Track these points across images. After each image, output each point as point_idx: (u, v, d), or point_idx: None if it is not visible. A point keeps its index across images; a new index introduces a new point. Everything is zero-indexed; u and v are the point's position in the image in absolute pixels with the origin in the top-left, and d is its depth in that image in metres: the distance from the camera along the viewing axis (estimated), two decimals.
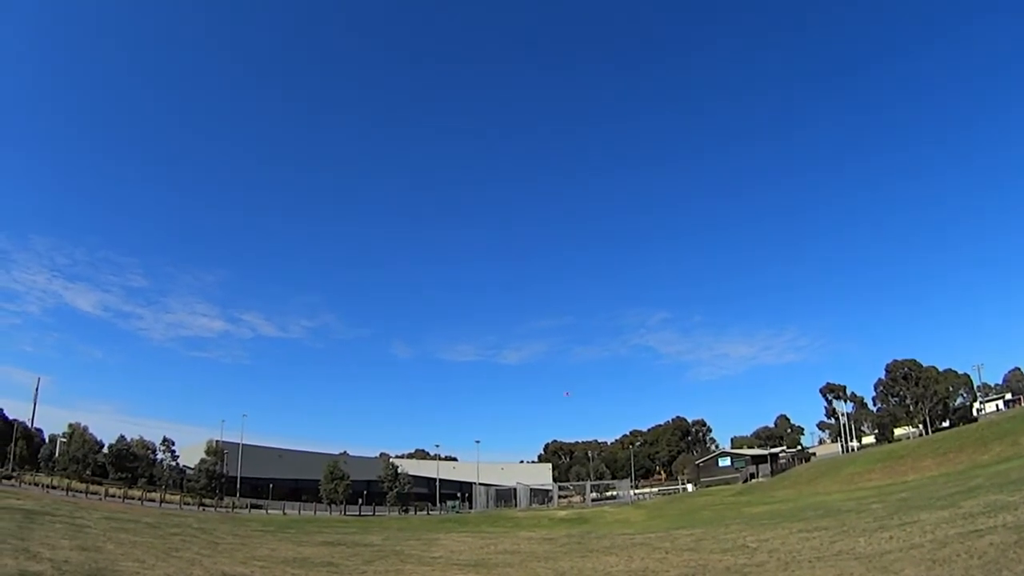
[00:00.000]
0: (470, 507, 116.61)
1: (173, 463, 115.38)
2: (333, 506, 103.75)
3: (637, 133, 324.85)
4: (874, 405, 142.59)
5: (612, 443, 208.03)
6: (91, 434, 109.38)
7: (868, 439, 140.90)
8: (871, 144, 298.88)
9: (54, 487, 79.93)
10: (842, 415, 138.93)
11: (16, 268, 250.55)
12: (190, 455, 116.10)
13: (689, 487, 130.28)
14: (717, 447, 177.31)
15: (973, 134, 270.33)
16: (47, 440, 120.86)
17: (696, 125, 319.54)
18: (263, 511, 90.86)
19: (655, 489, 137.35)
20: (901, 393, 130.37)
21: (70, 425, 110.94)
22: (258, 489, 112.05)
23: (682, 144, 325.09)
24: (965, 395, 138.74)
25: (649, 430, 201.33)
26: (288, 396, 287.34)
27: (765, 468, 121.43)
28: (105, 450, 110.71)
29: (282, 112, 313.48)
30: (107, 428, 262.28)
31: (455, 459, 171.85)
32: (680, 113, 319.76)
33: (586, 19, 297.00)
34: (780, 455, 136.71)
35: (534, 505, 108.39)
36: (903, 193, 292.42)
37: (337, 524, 69.84)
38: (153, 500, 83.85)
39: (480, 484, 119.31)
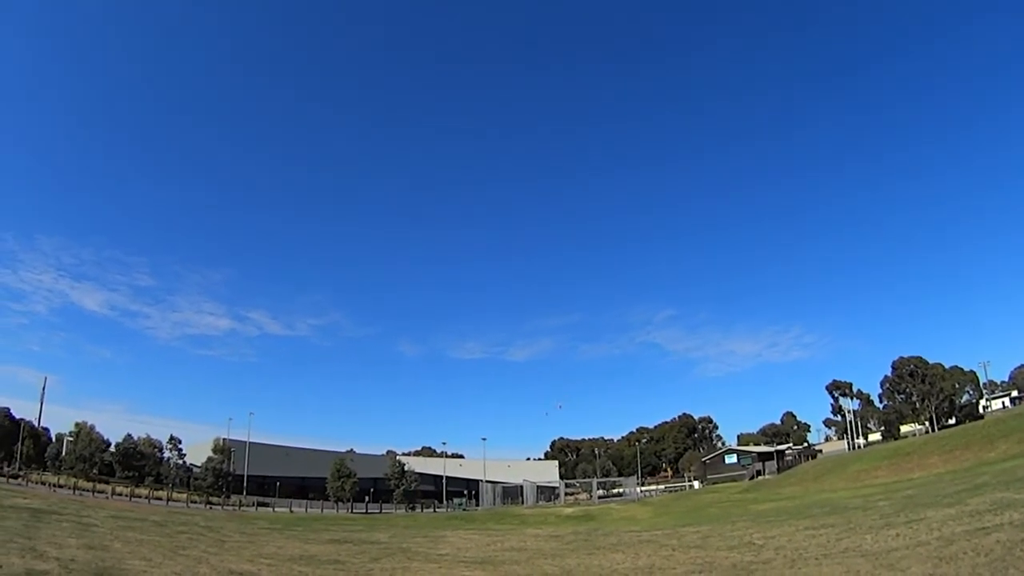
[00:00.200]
0: (477, 504, 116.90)
1: (180, 461, 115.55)
2: (340, 504, 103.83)
3: (642, 132, 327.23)
4: (880, 402, 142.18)
5: (618, 440, 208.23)
6: (98, 433, 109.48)
7: (874, 436, 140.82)
8: (874, 143, 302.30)
9: (61, 486, 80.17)
10: (848, 412, 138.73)
11: (23, 268, 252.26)
12: (197, 453, 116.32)
13: (695, 484, 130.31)
14: (723, 444, 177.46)
15: (973, 133, 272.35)
16: (54, 439, 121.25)
17: (700, 124, 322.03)
18: (270, 509, 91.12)
19: (661, 486, 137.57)
20: (907, 390, 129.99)
21: (77, 424, 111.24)
22: (265, 487, 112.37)
23: (686, 143, 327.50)
24: (971, 392, 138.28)
25: (655, 427, 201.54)
26: (295, 394, 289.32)
27: (771, 465, 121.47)
28: (112, 449, 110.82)
29: (289, 112, 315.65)
30: (114, 427, 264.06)
31: (462, 456, 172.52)
32: (684, 113, 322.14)
33: (587, 19, 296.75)
34: (786, 452, 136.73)
35: (541, 502, 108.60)
36: (909, 191, 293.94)
37: (344, 522, 69.85)
38: (160, 498, 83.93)
39: (487, 481, 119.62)
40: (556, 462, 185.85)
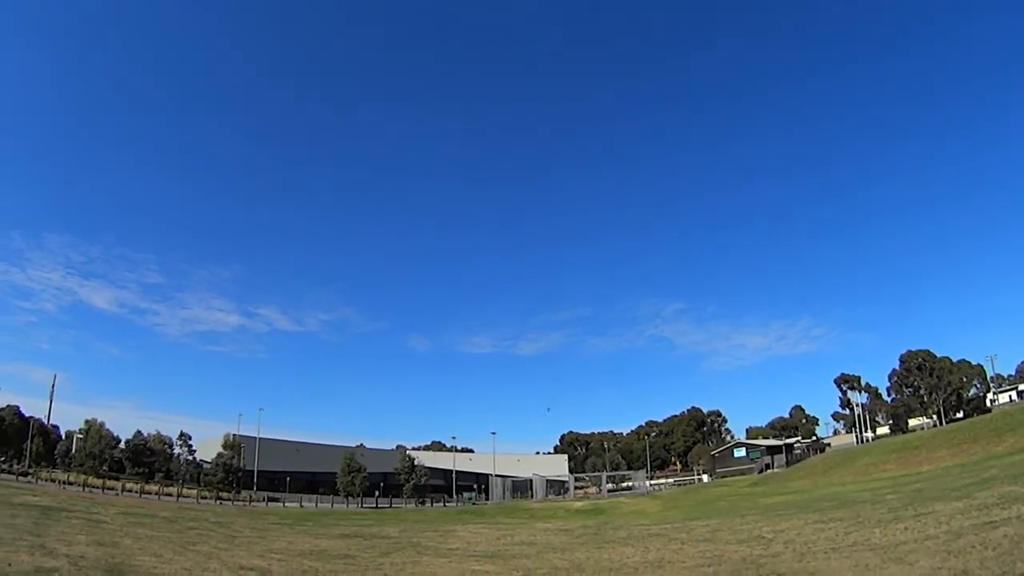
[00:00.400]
0: (486, 498, 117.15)
1: (190, 457, 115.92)
2: (350, 499, 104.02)
3: (649, 127, 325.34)
4: (888, 395, 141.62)
5: (628, 434, 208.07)
6: (108, 430, 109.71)
7: (882, 430, 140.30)
8: (878, 140, 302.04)
9: (71, 483, 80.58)
10: (857, 406, 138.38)
11: (31, 266, 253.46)
12: (207, 449, 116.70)
13: (705, 478, 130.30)
14: (732, 438, 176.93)
15: (973, 134, 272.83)
16: (63, 437, 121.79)
17: (708, 119, 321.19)
18: (280, 504, 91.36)
19: (671, 480, 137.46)
20: (915, 384, 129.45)
21: (87, 421, 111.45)
22: (275, 482, 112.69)
23: (695, 138, 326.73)
24: (978, 385, 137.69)
25: (664, 421, 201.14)
26: (305, 390, 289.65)
27: (780, 459, 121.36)
28: (122, 445, 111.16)
29: (296, 109, 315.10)
30: (124, 424, 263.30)
31: (471, 451, 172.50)
32: (691, 108, 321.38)
33: (593, 17, 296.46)
34: (795, 446, 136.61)
35: (550, 496, 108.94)
36: (916, 186, 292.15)
37: (354, 516, 70.18)
38: (170, 495, 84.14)
39: (496, 475, 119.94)
40: (565, 456, 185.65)
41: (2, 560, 18.45)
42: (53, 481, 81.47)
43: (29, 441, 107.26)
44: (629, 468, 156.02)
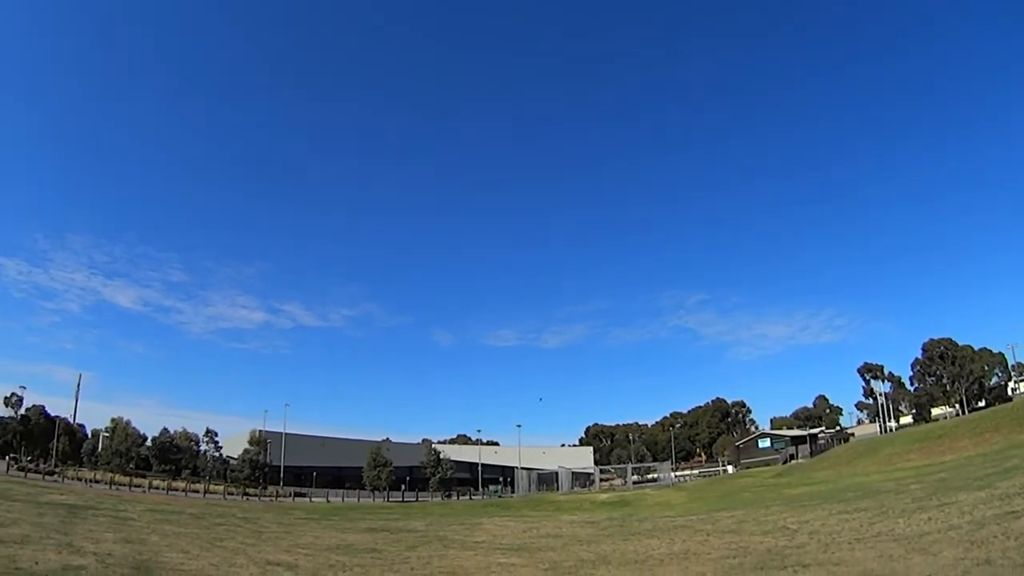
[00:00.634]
0: (512, 491, 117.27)
1: (216, 454, 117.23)
2: (376, 493, 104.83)
3: (673, 121, 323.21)
4: (911, 385, 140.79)
5: (652, 425, 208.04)
6: (134, 428, 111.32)
7: (906, 419, 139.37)
8: (889, 135, 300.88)
9: (97, 481, 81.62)
10: (880, 395, 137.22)
11: (54, 267, 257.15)
12: (233, 445, 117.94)
13: (729, 469, 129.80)
14: (757, 428, 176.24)
15: (972, 134, 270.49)
16: (89, 435, 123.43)
17: (734, 109, 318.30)
18: (307, 499, 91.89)
19: (696, 471, 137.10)
20: (938, 372, 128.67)
21: (112, 419, 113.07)
22: (301, 477, 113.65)
23: (719, 129, 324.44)
24: (1000, 374, 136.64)
25: (689, 412, 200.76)
26: (330, 385, 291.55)
27: (804, 449, 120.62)
28: (148, 443, 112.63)
29: (319, 106, 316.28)
30: (150, 422, 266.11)
31: (497, 444, 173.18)
32: (719, 99, 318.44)
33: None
34: (819, 436, 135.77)
35: (576, 488, 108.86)
36: (938, 177, 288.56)
37: (380, 510, 70.41)
38: (197, 491, 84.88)
39: (522, 468, 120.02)
40: (591, 448, 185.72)
41: (30, 558, 18.64)
42: (79, 480, 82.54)
43: (55, 440, 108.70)
44: (654, 459, 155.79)
